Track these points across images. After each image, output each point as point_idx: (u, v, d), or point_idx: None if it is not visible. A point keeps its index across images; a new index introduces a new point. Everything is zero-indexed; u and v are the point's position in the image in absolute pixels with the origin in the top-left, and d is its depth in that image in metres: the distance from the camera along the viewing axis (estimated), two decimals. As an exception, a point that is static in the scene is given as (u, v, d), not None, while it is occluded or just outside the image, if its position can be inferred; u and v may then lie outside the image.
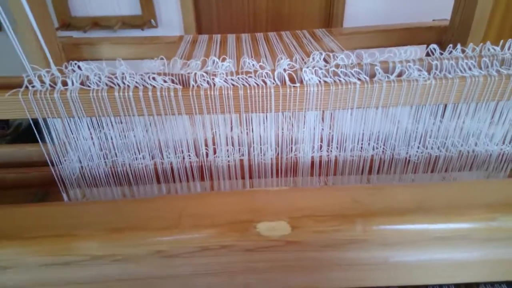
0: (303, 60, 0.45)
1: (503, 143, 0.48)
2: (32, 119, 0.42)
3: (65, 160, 0.46)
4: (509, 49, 0.42)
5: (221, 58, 0.44)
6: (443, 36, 0.90)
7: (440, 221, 0.34)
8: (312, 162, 0.49)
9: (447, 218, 0.35)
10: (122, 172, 0.48)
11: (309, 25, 2.18)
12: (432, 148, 0.48)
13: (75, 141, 0.45)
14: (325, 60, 0.44)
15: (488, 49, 0.43)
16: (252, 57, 0.81)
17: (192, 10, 2.17)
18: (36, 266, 0.34)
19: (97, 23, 2.21)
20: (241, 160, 0.49)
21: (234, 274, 0.36)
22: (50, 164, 0.46)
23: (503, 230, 0.34)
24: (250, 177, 0.50)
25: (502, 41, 0.43)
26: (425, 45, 0.94)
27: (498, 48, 0.43)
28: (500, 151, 0.48)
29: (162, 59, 0.46)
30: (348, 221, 0.34)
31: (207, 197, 0.38)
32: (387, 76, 0.41)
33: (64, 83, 0.41)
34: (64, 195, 0.48)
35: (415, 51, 0.45)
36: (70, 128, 0.44)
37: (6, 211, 0.37)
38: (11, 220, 0.36)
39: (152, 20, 2.22)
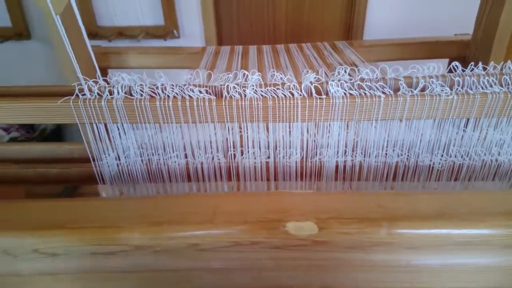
0: (326, 74, 0.47)
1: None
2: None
3: (105, 157, 0.50)
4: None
5: (251, 72, 0.47)
6: (465, 51, 0.90)
7: (462, 227, 0.36)
8: (336, 167, 0.51)
9: (469, 223, 0.36)
10: (157, 169, 0.51)
11: (329, 36, 2.20)
12: (455, 156, 0.50)
13: (115, 141, 0.49)
14: (349, 74, 0.47)
15: (509, 68, 0.45)
16: (273, 68, 0.84)
17: (213, 21, 2.22)
18: (82, 254, 0.38)
19: (121, 32, 2.29)
20: (267, 163, 0.52)
21: (263, 270, 0.39)
22: (92, 160, 0.50)
23: (523, 238, 0.36)
24: (275, 179, 0.53)
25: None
26: (448, 59, 0.95)
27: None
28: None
29: (198, 71, 0.50)
30: (373, 224, 0.36)
31: (239, 196, 0.41)
32: (411, 91, 0.44)
33: (110, 92, 0.45)
34: (102, 191, 0.52)
35: (438, 66, 0.47)
36: (112, 131, 0.48)
37: (54, 204, 0.41)
38: (59, 212, 0.39)
39: (175, 31, 2.28)
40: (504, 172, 0.50)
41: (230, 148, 0.50)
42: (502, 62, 0.44)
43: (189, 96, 0.45)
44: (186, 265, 0.38)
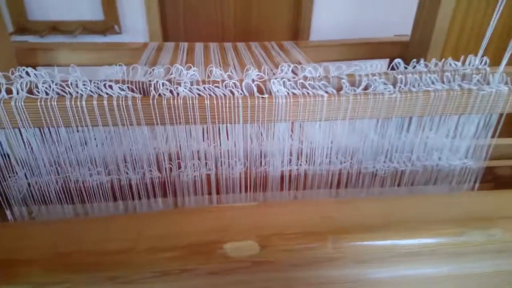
0: (271, 71, 0.44)
1: (466, 157, 0.49)
2: None
3: (9, 177, 0.42)
4: (469, 64, 0.43)
5: (186, 66, 0.41)
6: (404, 51, 0.93)
7: (409, 237, 0.34)
8: (282, 176, 0.48)
9: (415, 233, 0.34)
10: (75, 188, 0.44)
11: (276, 38, 2.20)
12: (398, 162, 0.49)
13: (21, 155, 0.41)
14: (293, 71, 0.43)
15: (450, 64, 0.44)
16: (220, 66, 0.79)
17: (158, 17, 2.12)
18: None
19: (55, 27, 2.10)
20: (208, 175, 0.47)
21: (198, 299, 0.34)
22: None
23: (469, 245, 0.34)
24: (218, 193, 0.48)
25: (462, 56, 0.44)
26: (388, 59, 0.98)
27: (459, 64, 0.44)
28: (463, 165, 0.49)
29: (121, 65, 0.43)
30: (318, 239, 0.33)
31: (168, 216, 0.35)
32: (354, 89, 0.41)
33: (9, 91, 0.37)
34: (9, 215, 0.43)
35: (380, 65, 0.45)
36: (16, 141, 0.40)
37: None
38: None
39: (116, 26, 2.15)
40: (444, 175, 0.50)
41: (165, 159, 0.44)
42: (443, 59, 0.44)
43: (107, 94, 0.38)
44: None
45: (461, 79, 0.43)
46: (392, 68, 0.45)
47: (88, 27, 2.21)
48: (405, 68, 0.44)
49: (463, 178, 0.50)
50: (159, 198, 0.46)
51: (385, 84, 0.41)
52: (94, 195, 0.44)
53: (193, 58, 0.87)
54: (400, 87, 0.42)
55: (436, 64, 0.44)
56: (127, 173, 0.44)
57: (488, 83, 0.42)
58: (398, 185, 0.50)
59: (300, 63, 0.83)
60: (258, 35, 2.22)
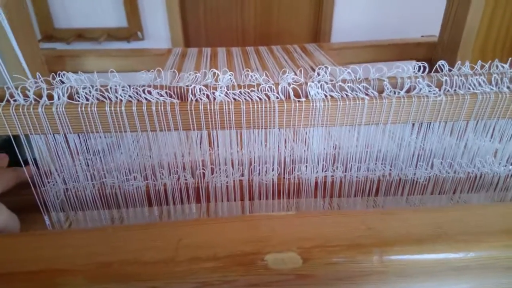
0: (307, 73, 0.42)
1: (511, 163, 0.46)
2: (13, 136, 0.38)
3: (48, 182, 0.42)
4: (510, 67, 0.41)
5: (221, 71, 0.41)
6: (432, 52, 0.90)
7: (459, 250, 0.32)
8: (316, 183, 0.46)
9: (466, 246, 0.32)
10: (111, 194, 0.44)
11: (297, 41, 2.20)
12: (439, 169, 0.46)
13: (60, 160, 0.41)
14: (330, 74, 0.42)
15: (497, 67, 0.42)
16: (244, 70, 0.79)
17: (179, 23, 2.15)
18: (11, 308, 0.30)
19: (81, 35, 2.17)
20: (241, 181, 0.46)
21: (238, 311, 0.33)
22: (32, 186, 0.42)
23: (528, 258, 0.32)
24: (250, 199, 0.47)
25: (510, 58, 0.42)
26: (414, 61, 0.95)
27: (506, 66, 0.42)
28: (508, 172, 0.47)
29: (154, 71, 0.43)
30: (363, 252, 0.31)
31: (208, 224, 0.34)
32: (397, 92, 0.40)
33: (50, 97, 0.38)
34: (47, 220, 0.44)
35: (407, 68, 0.44)
36: (55, 146, 0.40)
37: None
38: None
39: (139, 33, 2.19)
40: (488, 183, 0.47)
41: (199, 165, 0.44)
42: (490, 61, 0.41)
43: (146, 99, 0.38)
44: (144, 313, 0.31)
45: (509, 82, 0.41)
46: (419, 70, 0.44)
47: (112, 34, 2.26)
48: (450, 70, 0.42)
49: (508, 185, 0.48)
50: (193, 203, 0.46)
51: (429, 86, 0.40)
52: (130, 200, 0.44)
53: (217, 63, 0.87)
54: (445, 89, 0.40)
55: (482, 67, 0.42)
56: (162, 179, 0.44)
57: (538, 86, 0.40)
58: (439, 193, 0.47)
59: (325, 67, 0.81)
60: (278, 38, 2.22)
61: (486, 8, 1.53)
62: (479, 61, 0.42)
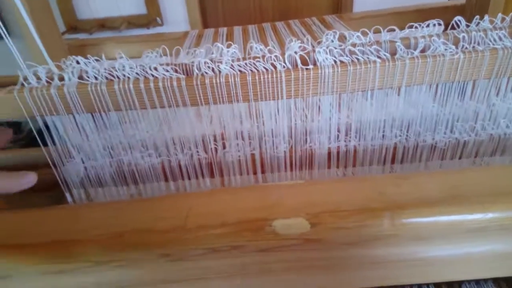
0: (315, 41, 0.41)
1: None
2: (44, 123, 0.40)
3: (68, 161, 0.44)
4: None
5: (226, 44, 0.40)
6: (460, 15, 0.85)
7: (475, 211, 0.31)
8: (329, 153, 0.45)
9: (483, 206, 0.31)
10: (128, 171, 0.45)
11: (317, 13, 2.13)
12: (460, 132, 0.44)
13: (77, 140, 0.43)
14: (340, 39, 0.40)
15: (519, 19, 0.39)
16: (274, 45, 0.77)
17: (197, 6, 2.14)
18: (36, 275, 0.32)
19: (103, 24, 2.21)
20: (252, 154, 0.46)
21: (248, 277, 0.33)
22: (52, 166, 0.44)
23: (551, 219, 0.30)
24: (263, 172, 0.47)
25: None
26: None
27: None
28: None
29: (159, 49, 0.43)
30: (374, 216, 0.31)
31: (216, 194, 0.35)
32: (410, 52, 0.37)
33: (61, 79, 0.39)
34: (69, 197, 0.46)
35: (437, 25, 0.41)
36: (71, 127, 0.42)
37: (2, 217, 0.35)
38: (8, 226, 0.34)
39: (158, 18, 2.20)
40: (512, 145, 0.45)
41: (210, 140, 0.44)
42: (511, 14, 0.38)
43: (153, 76, 0.38)
44: (157, 278, 0.32)
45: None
46: (452, 28, 0.41)
47: (132, 22, 2.29)
48: (467, 26, 0.39)
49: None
50: (207, 178, 0.47)
51: (445, 44, 0.37)
52: (146, 176, 0.46)
53: (233, 41, 0.86)
54: (463, 46, 0.37)
55: (503, 19, 0.39)
56: (176, 155, 0.44)
57: None
58: (460, 157, 0.45)
59: (345, 38, 0.78)
60: (297, 14, 2.16)
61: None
62: (499, 13, 0.39)
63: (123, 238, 0.31)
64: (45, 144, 0.44)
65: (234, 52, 0.40)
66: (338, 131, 0.45)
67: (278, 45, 0.78)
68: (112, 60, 0.41)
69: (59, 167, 0.43)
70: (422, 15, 0.90)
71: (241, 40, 0.86)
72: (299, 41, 0.40)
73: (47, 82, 0.39)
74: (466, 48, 0.37)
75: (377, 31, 0.42)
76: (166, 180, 0.46)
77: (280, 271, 0.33)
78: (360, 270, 0.33)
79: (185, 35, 0.92)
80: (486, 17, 0.40)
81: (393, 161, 0.46)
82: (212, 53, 0.40)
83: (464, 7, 0.81)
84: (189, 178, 0.46)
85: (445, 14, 0.87)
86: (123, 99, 0.38)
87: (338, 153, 0.46)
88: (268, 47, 0.40)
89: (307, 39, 0.39)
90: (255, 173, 0.47)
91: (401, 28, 0.96)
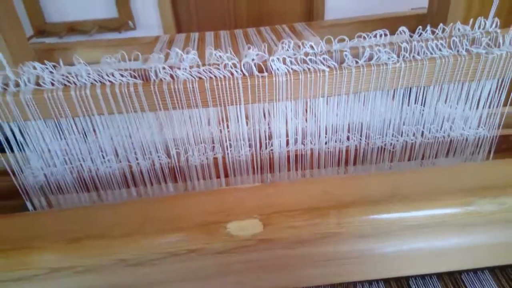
0: (273, 49, 0.43)
1: (478, 126, 0.47)
2: None
3: (26, 169, 0.44)
4: (479, 28, 0.41)
5: (185, 50, 0.42)
6: (422, 24, 0.89)
7: (415, 208, 0.33)
8: (288, 157, 0.47)
9: (422, 205, 0.33)
10: (89, 178, 0.45)
11: (290, 21, 2.17)
12: (407, 135, 0.47)
13: (35, 147, 0.43)
14: (294, 48, 0.43)
15: (458, 29, 0.42)
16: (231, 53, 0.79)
17: (170, 9, 2.13)
18: (-9, 284, 0.32)
19: (73, 28, 2.16)
20: (215, 159, 0.47)
21: (206, 278, 0.34)
22: (11, 173, 0.43)
23: (480, 215, 0.33)
24: (226, 176, 0.48)
25: (472, 20, 0.42)
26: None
27: (468, 28, 0.42)
28: (476, 135, 0.47)
29: (118, 55, 0.44)
30: (320, 214, 0.33)
31: (173, 200, 0.36)
32: (356, 61, 0.40)
33: (17, 85, 0.39)
34: (29, 205, 0.46)
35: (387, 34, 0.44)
36: (28, 134, 0.42)
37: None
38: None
39: (130, 22, 2.17)
40: (457, 146, 0.48)
41: (171, 146, 0.45)
42: (451, 24, 0.42)
43: (109, 81, 0.39)
44: (117, 284, 0.33)
45: (470, 44, 0.41)
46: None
47: (103, 25, 2.25)
48: (411, 36, 0.42)
49: (477, 149, 0.48)
50: (170, 183, 0.47)
51: (388, 53, 0.40)
52: (107, 182, 0.46)
53: (204, 47, 0.87)
54: (404, 55, 0.40)
55: (443, 30, 0.42)
56: (137, 160, 0.45)
57: (499, 46, 0.40)
58: (409, 159, 0.48)
59: (311, 47, 0.80)
60: (271, 20, 2.19)
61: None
62: (441, 24, 0.42)
63: (81, 244, 0.31)
64: (3, 151, 0.43)
65: (194, 58, 0.41)
66: (296, 134, 0.47)
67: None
68: (70, 66, 0.41)
69: (18, 175, 0.43)
70: (386, 23, 0.94)
71: (213, 46, 0.87)
72: (256, 49, 0.41)
73: (3, 88, 0.39)
74: (407, 57, 0.40)
75: (341, 40, 0.44)
76: (128, 186, 0.47)
77: (237, 272, 0.35)
78: (312, 268, 0.35)
79: (156, 40, 0.92)
80: (428, 27, 0.43)
81: (346, 163, 0.48)
82: (171, 59, 0.41)
83: (425, 16, 0.85)
84: (152, 184, 0.47)
85: (409, 22, 0.92)
86: (80, 105, 0.39)
87: (296, 156, 0.48)
88: (226, 54, 0.41)
89: (265, 47, 0.41)
90: (218, 177, 0.49)
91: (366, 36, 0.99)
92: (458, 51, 0.41)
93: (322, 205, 0.33)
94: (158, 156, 0.46)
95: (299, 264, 0.35)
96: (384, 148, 0.47)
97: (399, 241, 0.35)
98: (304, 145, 0.47)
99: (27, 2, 2.04)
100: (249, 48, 0.42)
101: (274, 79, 0.40)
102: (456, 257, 0.36)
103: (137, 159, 0.45)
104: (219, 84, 0.40)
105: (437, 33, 0.42)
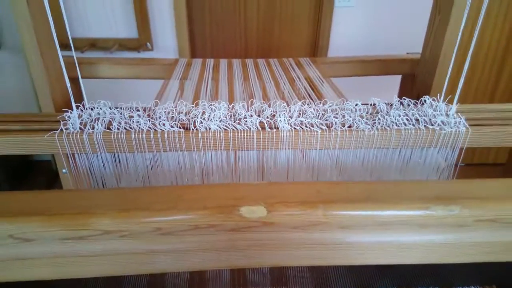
0: (283, 103, 0.57)
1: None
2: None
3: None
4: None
5: (218, 103, 0.56)
6: (415, 67, 0.99)
7: (384, 209, 0.44)
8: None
9: (390, 206, 0.44)
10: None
11: (297, 54, 2.32)
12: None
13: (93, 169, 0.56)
14: (300, 110, 0.56)
15: (425, 102, 0.57)
16: (242, 80, 0.91)
17: (186, 35, 2.28)
18: (55, 239, 0.42)
19: (94, 44, 2.31)
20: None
21: (220, 250, 0.44)
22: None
23: (433, 218, 0.44)
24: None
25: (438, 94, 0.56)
26: (400, 75, 1.04)
27: (439, 103, 0.56)
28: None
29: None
30: (312, 206, 0.43)
31: (200, 188, 0.47)
32: (341, 127, 0.56)
33: (88, 125, 0.54)
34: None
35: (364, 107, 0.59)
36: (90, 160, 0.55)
37: (33, 194, 0.45)
38: (34, 201, 0.44)
39: (148, 43, 2.32)
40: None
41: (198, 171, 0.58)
42: (421, 99, 0.57)
43: (161, 129, 0.53)
44: (151, 248, 0.43)
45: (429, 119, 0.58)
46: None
47: (123, 44, 2.40)
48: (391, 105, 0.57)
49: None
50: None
51: (366, 123, 0.56)
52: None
53: (219, 74, 0.98)
54: (376, 126, 0.57)
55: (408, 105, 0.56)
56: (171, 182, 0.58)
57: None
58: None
59: (311, 81, 0.92)
60: (278, 51, 2.35)
61: (468, 27, 1.63)
62: (404, 98, 0.57)
63: (129, 213, 0.41)
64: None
65: (224, 110, 0.56)
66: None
67: (259, 80, 0.91)
68: (128, 107, 0.55)
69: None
70: (383, 64, 1.05)
71: (226, 73, 0.99)
72: (271, 109, 0.56)
73: (80, 129, 0.53)
74: (379, 127, 0.56)
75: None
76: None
77: (244, 247, 0.45)
78: (301, 249, 0.45)
79: (175, 62, 1.04)
80: (395, 99, 0.57)
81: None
82: (205, 109, 0.55)
83: (418, 61, 0.97)
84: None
85: (403, 65, 1.02)
86: (136, 144, 0.54)
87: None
88: (248, 112, 0.56)
89: (276, 105, 0.55)
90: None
91: (365, 74, 1.11)
92: (419, 124, 0.57)
93: (313, 200, 0.43)
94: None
95: (292, 245, 0.45)
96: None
97: (371, 234, 0.45)
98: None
99: (54, 16, 2.19)
100: (263, 108, 0.56)
101: (280, 134, 0.56)
102: (416, 252, 0.46)
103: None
104: (239, 135, 0.55)
105: (410, 108, 0.57)
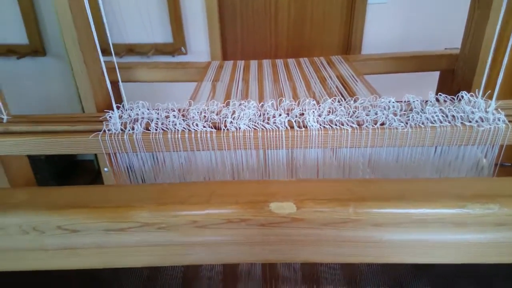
0: (312, 101, 0.57)
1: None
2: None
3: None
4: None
5: (248, 102, 0.58)
6: (454, 64, 0.95)
7: (418, 207, 0.43)
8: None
9: (424, 204, 0.43)
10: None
11: (329, 53, 2.30)
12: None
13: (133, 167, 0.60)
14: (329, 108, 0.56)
15: (462, 97, 0.54)
16: (272, 81, 0.93)
17: (218, 39, 2.33)
18: (99, 230, 0.45)
19: (132, 49, 2.41)
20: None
21: (252, 244, 0.45)
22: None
23: (470, 216, 0.42)
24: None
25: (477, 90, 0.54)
26: (438, 71, 1.00)
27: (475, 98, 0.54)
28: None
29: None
30: (342, 204, 0.43)
31: (233, 184, 0.48)
32: (373, 125, 0.55)
33: (129, 125, 0.58)
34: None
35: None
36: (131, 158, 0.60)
37: (79, 189, 0.49)
38: (82, 196, 0.47)
39: (182, 48, 2.40)
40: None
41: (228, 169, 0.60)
42: (457, 95, 0.55)
43: (194, 130, 0.56)
44: (186, 240, 0.45)
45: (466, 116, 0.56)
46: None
47: (159, 49, 2.49)
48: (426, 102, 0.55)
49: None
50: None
51: (399, 120, 0.55)
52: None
53: (249, 75, 0.99)
54: (410, 124, 0.55)
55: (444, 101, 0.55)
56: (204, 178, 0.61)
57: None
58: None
59: (343, 79, 0.91)
60: (310, 51, 2.33)
61: (510, 22, 1.54)
62: (440, 95, 0.55)
63: (166, 206, 0.44)
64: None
65: (253, 109, 0.58)
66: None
67: (288, 81, 0.92)
68: (164, 108, 0.59)
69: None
70: (418, 61, 1.02)
71: (256, 74, 1.00)
72: (299, 107, 0.56)
73: (121, 130, 0.57)
74: (413, 124, 0.55)
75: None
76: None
77: (273, 242, 0.45)
78: (331, 246, 0.45)
79: (208, 65, 1.07)
80: (430, 96, 0.55)
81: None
82: (235, 108, 0.57)
83: (457, 56, 0.93)
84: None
85: (440, 61, 0.98)
86: (172, 144, 0.57)
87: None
88: (277, 111, 0.57)
89: (305, 104, 0.56)
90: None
91: (401, 71, 1.07)
92: (455, 121, 0.55)
93: (344, 197, 0.44)
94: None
95: (321, 242, 0.45)
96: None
97: (404, 232, 0.44)
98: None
99: (94, 23, 2.32)
100: (292, 107, 0.56)
101: (309, 133, 0.56)
102: (451, 251, 0.45)
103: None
104: (268, 134, 0.56)
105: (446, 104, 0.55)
